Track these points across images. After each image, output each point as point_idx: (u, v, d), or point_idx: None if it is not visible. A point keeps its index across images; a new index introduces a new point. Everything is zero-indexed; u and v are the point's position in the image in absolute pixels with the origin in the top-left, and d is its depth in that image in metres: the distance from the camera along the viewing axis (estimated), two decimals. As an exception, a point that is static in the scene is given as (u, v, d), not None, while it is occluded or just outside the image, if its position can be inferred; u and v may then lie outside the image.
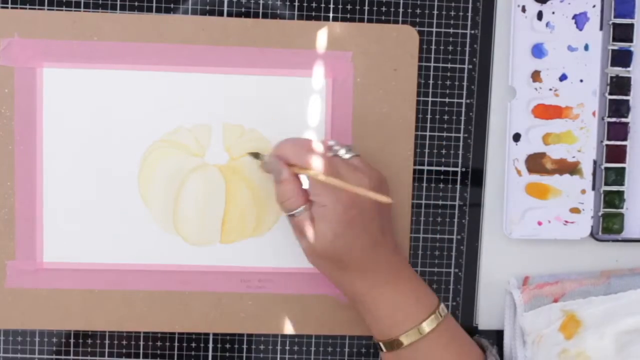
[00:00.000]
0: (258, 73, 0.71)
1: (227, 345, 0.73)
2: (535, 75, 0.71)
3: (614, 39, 0.71)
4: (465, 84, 0.73)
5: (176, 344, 0.73)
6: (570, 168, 0.72)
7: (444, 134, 0.73)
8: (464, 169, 0.73)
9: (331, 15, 0.72)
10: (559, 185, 0.72)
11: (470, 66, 0.73)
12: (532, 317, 0.71)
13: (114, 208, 0.71)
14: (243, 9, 0.71)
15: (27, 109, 0.70)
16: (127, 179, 0.71)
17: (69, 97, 0.70)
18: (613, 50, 0.72)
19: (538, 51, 0.71)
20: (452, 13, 0.72)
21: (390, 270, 0.67)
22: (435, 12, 0.72)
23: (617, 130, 0.72)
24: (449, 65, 0.73)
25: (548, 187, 0.72)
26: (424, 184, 0.73)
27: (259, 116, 0.71)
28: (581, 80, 0.72)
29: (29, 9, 0.69)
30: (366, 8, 0.72)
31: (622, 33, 0.71)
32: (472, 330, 0.74)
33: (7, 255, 0.71)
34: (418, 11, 0.72)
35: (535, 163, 0.72)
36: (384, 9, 0.72)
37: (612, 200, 0.73)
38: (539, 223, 0.72)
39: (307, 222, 0.64)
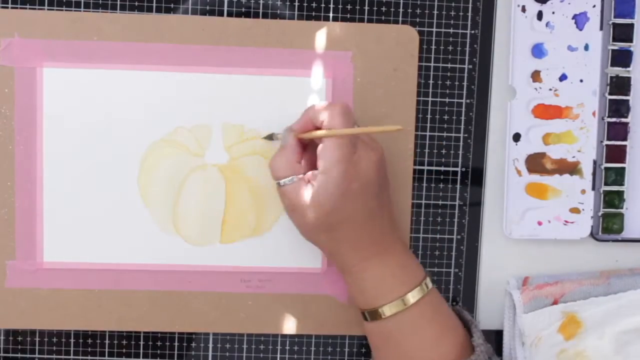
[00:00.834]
0: (258, 73, 0.71)
1: (227, 345, 0.73)
2: (535, 75, 0.71)
3: (614, 39, 0.72)
4: (465, 84, 0.73)
5: (176, 344, 0.73)
6: (570, 168, 0.72)
7: (444, 134, 0.73)
8: (464, 169, 0.73)
9: (331, 15, 0.72)
10: (559, 185, 0.72)
11: (470, 66, 0.73)
12: (532, 318, 0.71)
13: (114, 208, 0.71)
14: (243, 9, 0.71)
15: (27, 108, 0.70)
16: (127, 179, 0.71)
17: (69, 97, 0.70)
18: (613, 50, 0.72)
19: (538, 51, 0.71)
20: (452, 13, 0.72)
21: (382, 242, 0.66)
22: (435, 12, 0.72)
23: (617, 130, 0.72)
24: (449, 65, 0.73)
25: (548, 187, 0.72)
26: (424, 184, 0.73)
27: (259, 116, 0.71)
28: (581, 80, 0.72)
29: (29, 9, 0.69)
30: (366, 8, 0.72)
31: (622, 33, 0.72)
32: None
33: (7, 255, 0.71)
34: (418, 11, 0.72)
35: (535, 163, 0.72)
36: (384, 9, 0.72)
37: (612, 200, 0.73)
38: (539, 223, 0.72)
39: (297, 193, 0.64)
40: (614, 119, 0.72)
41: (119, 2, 0.70)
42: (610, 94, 0.72)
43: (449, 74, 0.73)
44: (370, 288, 0.66)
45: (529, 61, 0.71)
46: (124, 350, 0.73)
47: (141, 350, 0.73)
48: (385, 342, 0.67)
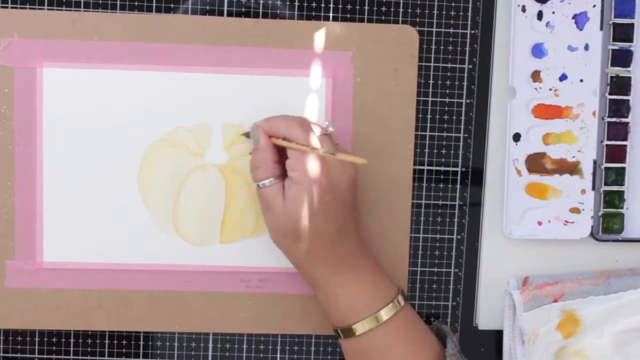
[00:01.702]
0: (258, 73, 0.71)
1: (227, 345, 0.73)
2: (535, 75, 0.71)
3: (614, 39, 0.71)
4: (465, 84, 0.73)
5: (176, 344, 0.73)
6: (570, 168, 0.72)
7: (444, 134, 0.73)
8: (464, 169, 0.73)
9: (331, 15, 0.72)
10: (559, 185, 0.72)
11: (470, 66, 0.73)
12: (532, 317, 0.71)
13: (114, 208, 0.71)
14: (243, 9, 0.71)
15: (27, 108, 0.70)
16: (127, 179, 0.71)
17: (69, 96, 0.70)
18: (613, 50, 0.72)
19: (538, 51, 0.71)
20: (452, 13, 0.72)
21: (352, 259, 0.66)
22: (435, 12, 0.72)
23: (617, 130, 0.72)
24: (449, 65, 0.73)
25: (548, 187, 0.72)
26: (424, 184, 0.73)
27: (259, 116, 0.70)
28: (581, 80, 0.72)
29: (29, 8, 0.69)
30: (366, 8, 0.72)
31: (622, 33, 0.71)
32: (472, 330, 0.75)
33: (7, 255, 0.71)
34: (418, 11, 0.72)
35: (535, 163, 0.72)
36: (384, 9, 0.72)
37: (612, 200, 0.73)
38: (539, 223, 0.72)
39: (275, 196, 0.63)
40: (614, 119, 0.72)
41: (118, 2, 0.70)
42: (610, 94, 0.72)
43: (449, 74, 0.73)
44: (342, 305, 0.66)
45: (529, 61, 0.71)
46: (123, 350, 0.73)
47: (141, 350, 0.73)
48: (361, 359, 0.67)
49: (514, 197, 0.72)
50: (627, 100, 0.72)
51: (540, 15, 0.71)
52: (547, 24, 0.71)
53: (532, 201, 0.72)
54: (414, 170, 0.73)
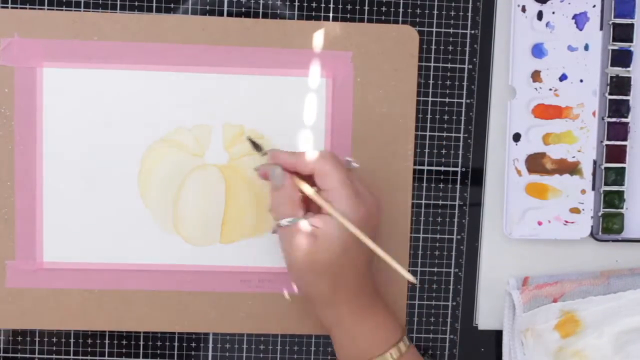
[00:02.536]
0: (258, 73, 0.71)
1: (227, 345, 0.73)
2: (535, 75, 0.71)
3: (614, 39, 0.71)
4: (465, 84, 0.73)
5: (176, 343, 0.73)
6: (570, 168, 0.72)
7: (444, 134, 0.73)
8: (464, 169, 0.73)
9: (331, 15, 0.72)
10: (559, 185, 0.72)
11: (470, 66, 0.73)
12: (532, 317, 0.71)
13: (114, 208, 0.71)
14: (243, 9, 0.71)
15: (27, 108, 0.70)
16: (127, 179, 0.71)
17: (69, 97, 0.70)
18: (613, 50, 0.72)
19: (538, 51, 0.71)
20: (452, 13, 0.72)
21: (363, 301, 0.66)
22: (435, 12, 0.72)
23: (617, 130, 0.72)
24: (449, 65, 0.73)
25: (548, 187, 0.72)
26: (424, 184, 0.73)
27: (260, 116, 0.71)
28: (581, 80, 0.72)
29: (29, 8, 0.69)
30: (366, 8, 0.72)
31: (622, 33, 0.71)
32: (472, 330, 0.75)
33: (7, 255, 0.71)
34: (418, 11, 0.72)
35: (535, 163, 0.72)
36: (384, 9, 0.72)
37: (612, 200, 0.73)
38: (539, 223, 0.72)
39: (302, 233, 0.62)
40: (614, 119, 0.72)
41: (119, 2, 0.70)
42: (610, 94, 0.72)
43: (449, 74, 0.73)
44: (348, 345, 0.66)
45: (529, 61, 0.71)
46: (123, 350, 0.73)
47: (141, 350, 0.73)
48: None
49: (514, 197, 0.72)
50: (627, 101, 0.72)
51: (540, 15, 0.71)
52: (547, 24, 0.71)
53: (532, 201, 0.72)
54: (414, 170, 0.73)
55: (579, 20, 0.71)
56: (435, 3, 0.72)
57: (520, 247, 0.74)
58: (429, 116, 0.73)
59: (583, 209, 0.72)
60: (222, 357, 0.73)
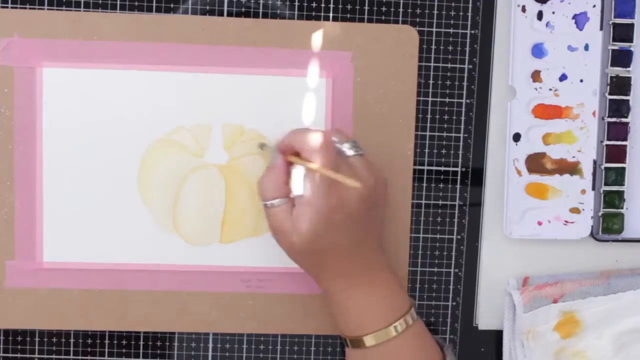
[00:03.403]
0: (258, 73, 0.71)
1: (227, 345, 0.73)
2: (535, 75, 0.71)
3: (614, 39, 0.71)
4: (465, 84, 0.73)
5: (176, 343, 0.73)
6: (570, 168, 0.72)
7: (444, 134, 0.73)
8: (464, 169, 0.73)
9: (331, 14, 0.72)
10: (559, 185, 0.72)
11: (470, 66, 0.73)
12: (531, 317, 0.71)
13: (113, 208, 0.71)
14: (243, 9, 0.71)
15: (27, 108, 0.70)
16: (127, 179, 0.71)
17: (69, 96, 0.70)
18: (613, 50, 0.72)
19: (538, 51, 0.71)
20: (452, 13, 0.72)
21: (367, 272, 0.66)
22: (435, 12, 0.72)
23: (617, 130, 0.72)
24: (449, 65, 0.73)
25: (548, 187, 0.72)
26: (424, 184, 0.73)
27: (259, 116, 0.71)
28: (581, 80, 0.72)
29: (29, 8, 0.69)
30: (366, 8, 0.72)
31: (622, 33, 0.71)
32: (472, 330, 0.75)
33: (7, 255, 0.71)
34: (418, 11, 0.72)
35: (535, 163, 0.72)
36: (384, 9, 0.72)
37: (612, 200, 0.73)
38: (539, 223, 0.72)
39: (283, 216, 0.63)
40: (614, 119, 0.72)
41: (118, 2, 0.70)
42: (610, 94, 0.72)
43: (449, 74, 0.73)
44: (354, 316, 0.66)
45: (529, 61, 0.71)
46: (123, 350, 0.73)
47: (141, 350, 0.73)
48: None
49: (514, 197, 0.72)
50: (627, 101, 0.72)
51: (540, 15, 0.71)
52: (547, 24, 0.71)
53: (532, 201, 0.72)
54: (414, 170, 0.73)
55: (579, 20, 0.71)
56: (435, 3, 0.72)
57: (520, 247, 0.74)
58: (429, 116, 0.73)
59: (583, 209, 0.72)
60: (222, 357, 0.73)
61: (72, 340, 0.73)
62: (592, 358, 0.71)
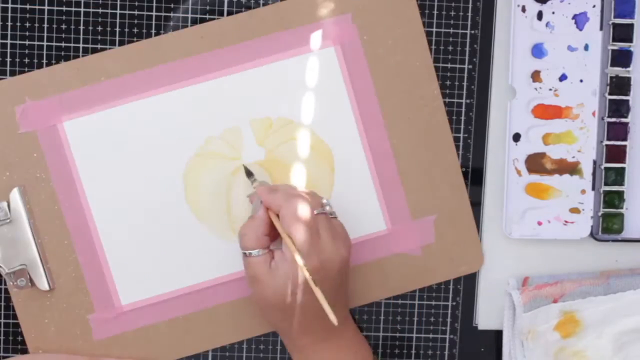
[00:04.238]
0: (267, 62, 0.70)
1: (227, 345, 0.73)
2: (535, 75, 0.71)
3: (614, 39, 0.71)
4: (465, 84, 0.73)
5: (176, 344, 0.73)
6: (570, 168, 0.72)
7: (444, 134, 0.73)
8: (464, 169, 0.73)
9: (331, 15, 0.71)
10: (558, 185, 0.72)
11: (470, 66, 0.73)
12: (531, 317, 0.72)
13: (171, 233, 0.71)
14: (243, 9, 0.71)
15: (61, 165, 0.69)
16: (175, 201, 0.71)
17: (96, 141, 0.70)
18: (613, 50, 0.72)
19: (538, 51, 0.71)
20: (452, 13, 0.72)
21: (333, 329, 0.66)
22: (435, 12, 0.72)
23: (617, 130, 0.72)
24: (449, 65, 0.73)
25: (548, 187, 0.72)
26: (424, 184, 0.73)
27: (283, 103, 0.70)
28: (581, 80, 0.72)
29: (29, 71, 0.69)
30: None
31: (622, 33, 0.71)
32: (472, 330, 0.75)
33: (87, 310, 0.71)
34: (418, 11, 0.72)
35: (535, 163, 0.72)
36: (384, 8, 0.72)
37: (612, 200, 0.73)
38: (539, 223, 0.72)
39: (261, 267, 0.64)
40: (614, 119, 0.72)
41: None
42: (610, 94, 0.72)
43: (449, 74, 0.73)
44: None
45: (529, 61, 0.71)
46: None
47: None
48: None
49: (514, 197, 0.72)
50: (627, 101, 0.72)
51: (540, 15, 0.71)
52: (547, 24, 0.71)
53: (532, 201, 0.72)
54: (414, 170, 0.73)
55: (579, 20, 0.71)
56: (435, 3, 0.72)
57: (520, 247, 0.74)
58: (429, 116, 0.73)
59: (583, 209, 0.73)
60: (222, 356, 0.73)
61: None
62: (592, 358, 0.71)
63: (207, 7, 0.71)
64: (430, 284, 0.74)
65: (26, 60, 0.70)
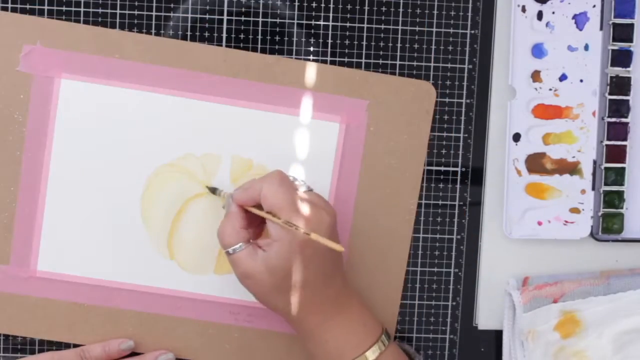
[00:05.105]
0: (274, 110, 0.71)
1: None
2: (535, 75, 0.71)
3: (614, 39, 0.72)
4: (465, 84, 0.73)
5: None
6: (570, 168, 0.72)
7: (444, 134, 0.73)
8: (464, 169, 0.73)
9: (331, 15, 0.71)
10: (558, 185, 0.72)
11: (470, 66, 0.73)
12: (531, 317, 0.72)
13: (113, 225, 0.71)
14: (243, 9, 0.71)
15: (40, 117, 0.69)
16: (131, 198, 0.70)
17: (84, 110, 0.69)
18: (613, 50, 0.72)
19: (538, 51, 0.71)
20: (452, 13, 0.72)
21: (339, 303, 0.66)
22: (435, 12, 0.72)
23: (617, 130, 0.72)
24: (449, 65, 0.72)
25: (548, 187, 0.72)
26: (424, 184, 0.73)
27: (270, 153, 0.71)
28: (581, 80, 0.72)
29: (55, 19, 0.69)
30: (366, 8, 0.71)
31: (622, 33, 0.72)
32: (472, 330, 0.75)
33: (1, 259, 0.70)
34: (418, 11, 0.72)
35: (535, 163, 0.72)
36: (384, 9, 0.72)
37: (612, 200, 0.73)
38: (539, 223, 0.73)
39: (249, 259, 0.63)
40: (614, 119, 0.72)
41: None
42: (610, 94, 0.72)
43: (449, 74, 0.73)
44: (333, 347, 0.66)
45: (529, 61, 0.71)
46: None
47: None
48: None
49: (514, 197, 0.72)
50: (627, 101, 0.72)
51: (540, 15, 0.71)
52: (547, 24, 0.71)
53: (532, 201, 0.72)
54: (414, 170, 0.73)
55: (579, 20, 0.71)
56: (435, 3, 0.72)
57: (520, 247, 0.74)
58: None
59: (583, 209, 0.73)
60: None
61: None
62: (592, 358, 0.72)
63: (207, 7, 0.71)
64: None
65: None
